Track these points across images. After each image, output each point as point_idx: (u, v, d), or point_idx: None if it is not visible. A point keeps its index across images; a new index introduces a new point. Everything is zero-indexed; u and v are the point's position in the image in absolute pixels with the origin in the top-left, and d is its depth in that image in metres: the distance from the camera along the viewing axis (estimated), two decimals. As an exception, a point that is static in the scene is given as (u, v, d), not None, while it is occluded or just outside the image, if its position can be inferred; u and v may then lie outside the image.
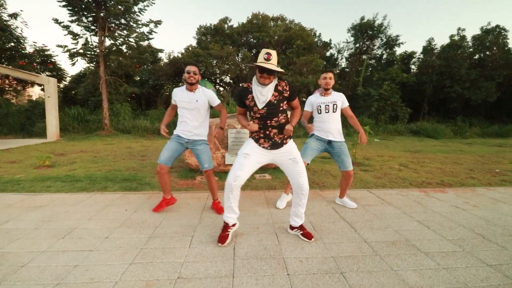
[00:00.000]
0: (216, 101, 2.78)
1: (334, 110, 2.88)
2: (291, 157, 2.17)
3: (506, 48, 16.65)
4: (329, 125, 2.87)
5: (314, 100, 2.93)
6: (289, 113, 2.29)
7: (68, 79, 16.45)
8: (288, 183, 3.12)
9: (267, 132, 2.11)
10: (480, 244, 2.22)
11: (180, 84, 16.99)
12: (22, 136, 11.65)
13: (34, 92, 20.56)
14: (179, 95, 2.68)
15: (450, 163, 5.92)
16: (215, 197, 2.88)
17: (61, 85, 16.04)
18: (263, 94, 2.04)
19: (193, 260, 1.91)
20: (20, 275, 1.73)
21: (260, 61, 1.97)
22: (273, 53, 1.99)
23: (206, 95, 2.70)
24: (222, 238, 2.13)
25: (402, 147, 9.22)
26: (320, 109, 2.89)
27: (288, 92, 2.11)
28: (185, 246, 2.11)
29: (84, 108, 13.87)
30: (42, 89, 14.47)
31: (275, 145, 2.14)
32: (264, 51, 1.98)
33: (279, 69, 1.96)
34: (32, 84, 15.19)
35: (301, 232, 2.27)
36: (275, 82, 2.07)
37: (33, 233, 2.33)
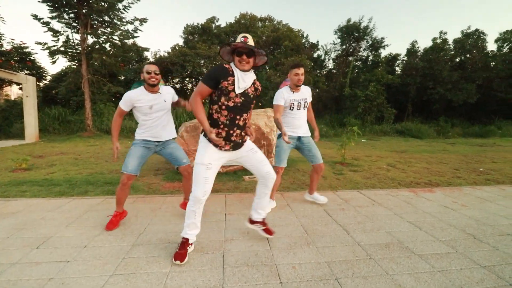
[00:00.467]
0: (176, 96, 2.63)
1: (304, 107, 2.89)
2: (248, 149, 2.06)
3: (484, 52, 17.34)
4: (300, 121, 2.86)
5: (287, 96, 2.80)
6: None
7: (48, 78, 15.79)
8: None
9: (231, 132, 1.89)
10: (472, 245, 2.21)
11: (167, 84, 16.66)
12: (-1, 138, 11.05)
13: (13, 92, 19.63)
14: (143, 98, 2.38)
15: (436, 163, 6.02)
16: (188, 196, 2.71)
17: (41, 84, 15.37)
18: (245, 80, 1.86)
19: (179, 269, 1.79)
20: (-15, 292, 1.56)
21: (237, 42, 1.85)
22: (250, 36, 1.89)
23: (170, 93, 2.56)
24: (181, 256, 1.86)
25: (388, 147, 9.36)
26: (293, 107, 2.83)
27: (259, 93, 2.05)
28: (171, 254, 1.97)
29: (65, 108, 13.34)
30: (21, 88, 13.81)
31: (237, 146, 1.99)
32: (240, 35, 1.88)
33: (260, 50, 1.89)
34: (10, 83, 14.48)
35: (263, 227, 2.21)
36: (253, 76, 1.95)
37: (4, 243, 2.14)
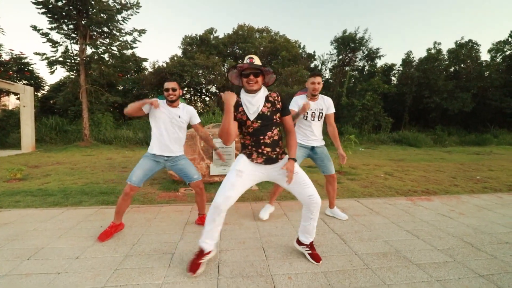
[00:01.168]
0: (196, 119, 2.62)
1: (319, 119, 2.86)
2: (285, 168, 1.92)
3: (478, 61, 17.66)
4: (313, 132, 2.84)
5: (301, 104, 2.75)
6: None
7: (46, 88, 15.85)
8: (272, 192, 3.02)
9: (259, 150, 1.89)
10: (470, 254, 2.18)
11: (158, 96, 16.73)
12: (-5, 148, 10.97)
13: (10, 102, 19.65)
14: (160, 108, 2.44)
15: (433, 171, 6.03)
16: (203, 211, 2.70)
17: (39, 94, 15.42)
18: (253, 103, 1.84)
19: (173, 281, 1.75)
20: (-29, 306, 1.51)
21: (241, 64, 1.85)
22: (256, 57, 1.88)
23: (189, 112, 2.58)
24: (194, 267, 1.80)
25: (386, 155, 9.38)
26: (306, 116, 2.81)
27: (281, 104, 1.91)
28: (164, 265, 1.94)
29: (63, 118, 13.33)
30: (18, 98, 13.84)
31: (270, 160, 1.92)
32: (246, 57, 1.88)
33: (267, 69, 1.87)
34: (7, 93, 14.50)
35: (310, 251, 2.03)
36: (265, 92, 1.91)
37: (-6, 255, 2.09)
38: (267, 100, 1.90)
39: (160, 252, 2.13)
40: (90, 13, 10.66)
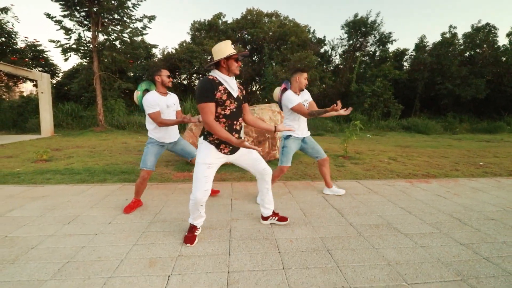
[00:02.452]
0: (179, 106, 2.91)
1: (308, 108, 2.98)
2: (245, 150, 2.15)
3: (495, 46, 17.06)
4: (303, 122, 2.98)
5: (297, 98, 2.82)
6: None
7: (60, 74, 16.32)
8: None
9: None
10: (456, 227, 2.42)
11: (175, 80, 16.99)
12: (15, 132, 11.59)
13: (26, 88, 20.32)
14: (160, 101, 2.63)
15: (437, 157, 6.16)
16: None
17: (54, 81, 15.90)
18: (233, 85, 1.96)
19: (192, 241, 2.07)
20: (31, 256, 1.86)
21: (232, 51, 1.89)
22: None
23: (175, 98, 2.85)
24: (191, 239, 2.03)
25: (393, 142, 9.48)
26: None
27: (244, 92, 2.09)
28: (184, 230, 2.26)
29: (77, 104, 13.82)
30: (35, 85, 14.35)
31: (235, 150, 2.09)
32: (228, 41, 1.93)
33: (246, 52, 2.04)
34: (24, 80, 15.03)
35: (276, 218, 2.35)
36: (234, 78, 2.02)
37: (39, 220, 2.46)
38: (238, 86, 2.05)
39: (180, 220, 2.45)
40: (101, 0, 10.83)
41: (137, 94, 2.79)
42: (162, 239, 2.09)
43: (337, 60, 20.93)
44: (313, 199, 3.09)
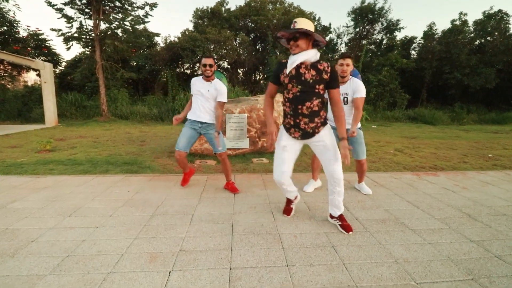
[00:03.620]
0: (221, 97, 2.82)
1: (346, 103, 2.74)
2: (322, 143, 2.03)
3: (507, 34, 16.47)
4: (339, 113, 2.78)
5: None
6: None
7: (63, 64, 16.22)
8: (313, 168, 3.14)
9: (297, 121, 1.97)
10: (466, 223, 2.34)
11: (178, 70, 16.80)
12: (20, 122, 11.64)
13: (30, 78, 20.29)
14: (197, 84, 2.83)
15: (445, 149, 6.03)
16: (228, 178, 3.05)
17: (57, 70, 15.83)
18: (293, 60, 1.86)
19: (193, 235, 2.03)
20: (31, 249, 1.84)
21: (289, 29, 1.81)
22: (300, 20, 1.81)
23: (217, 89, 2.82)
24: (287, 211, 2.36)
25: (399, 133, 9.32)
26: None
27: (329, 75, 1.89)
28: (186, 223, 2.22)
29: (80, 93, 13.78)
30: (38, 75, 14.29)
31: (306, 135, 2.01)
32: (293, 20, 1.85)
33: (305, 29, 1.77)
34: (28, 69, 14.99)
35: (340, 223, 2.15)
36: (308, 55, 1.85)
37: (40, 212, 2.44)
38: (313, 67, 1.89)
39: (181, 213, 2.41)
40: (102, -14, 10.60)
41: (226, 86, 3.03)
42: (163, 233, 2.05)
43: (342, 48, 20.45)
44: (317, 193, 3.03)
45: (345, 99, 2.74)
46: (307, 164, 4.31)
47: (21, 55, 11.05)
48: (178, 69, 16.85)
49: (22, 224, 2.20)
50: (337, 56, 19.96)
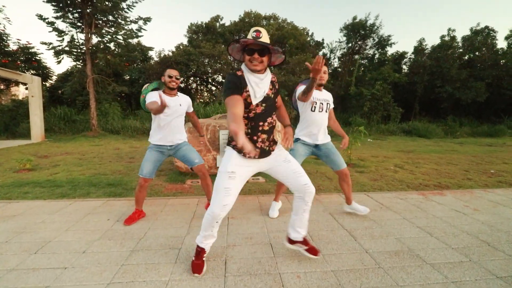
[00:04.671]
0: (192, 108, 2.78)
1: (327, 110, 2.65)
2: (280, 158, 1.81)
3: (494, 49, 16.94)
4: (319, 127, 2.61)
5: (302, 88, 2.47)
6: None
7: (54, 78, 15.92)
8: (277, 189, 2.87)
9: (254, 138, 1.69)
10: (486, 253, 2.09)
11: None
12: (6, 137, 11.18)
13: (21, 92, 19.85)
14: (165, 99, 2.50)
15: (445, 164, 5.87)
16: (210, 196, 2.65)
17: (47, 84, 15.50)
18: (259, 86, 1.63)
19: (179, 278, 1.72)
20: (-21, 301, 1.51)
21: (247, 38, 1.61)
22: (263, 31, 1.61)
23: (187, 101, 2.68)
24: (198, 267, 1.76)
25: (395, 147, 9.19)
26: (315, 107, 2.57)
27: (277, 84, 1.85)
28: (171, 261, 1.91)
29: (71, 108, 13.43)
30: (27, 88, 13.95)
31: (264, 153, 1.74)
32: (252, 29, 1.62)
33: (275, 48, 1.65)
34: (17, 83, 14.63)
35: (306, 247, 1.88)
36: (269, 74, 1.73)
37: (3, 248, 2.10)
38: (271, 82, 1.75)
39: (167, 247, 2.10)
40: (95, 1, 10.51)
41: (141, 98, 2.56)
42: (143, 275, 1.74)
43: (335, 63, 20.76)
44: (319, 217, 2.76)
45: (328, 105, 2.67)
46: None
47: (10, 68, 10.74)
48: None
49: (-24, 265, 1.86)
50: (330, 71, 20.17)
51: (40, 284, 1.66)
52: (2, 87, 15.02)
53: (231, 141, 1.74)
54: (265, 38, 1.61)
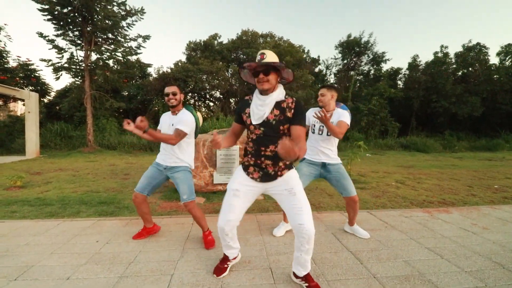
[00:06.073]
0: (179, 124, 2.26)
1: (328, 134, 2.50)
2: (286, 187, 1.70)
3: (487, 65, 17.30)
4: (320, 145, 2.53)
5: (309, 115, 2.57)
6: None
7: (52, 94, 15.94)
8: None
9: (259, 162, 1.69)
10: (502, 277, 1.95)
11: (162, 101, 16.69)
12: (0, 153, 10.98)
13: (19, 108, 19.82)
14: (162, 119, 2.49)
15: (447, 179, 5.76)
16: (204, 229, 2.45)
17: (45, 100, 15.49)
18: (259, 108, 1.65)
19: (170, 310, 1.56)
20: None
21: (252, 62, 1.64)
22: (268, 52, 1.64)
23: (179, 119, 2.34)
24: (219, 270, 1.90)
25: (394, 162, 9.10)
26: (314, 129, 2.57)
27: (293, 111, 1.63)
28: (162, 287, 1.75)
29: (69, 123, 13.35)
30: (24, 104, 13.90)
31: (267, 177, 1.71)
32: (259, 52, 1.66)
33: (280, 64, 1.59)
34: (15, 99, 14.60)
35: (307, 284, 1.75)
36: (281, 94, 1.67)
37: (-21, 274, 1.93)
38: (277, 106, 1.65)
39: (158, 273, 1.94)
40: (95, 19, 10.70)
41: None
42: (130, 307, 1.58)
43: (332, 79, 21.06)
44: (321, 238, 2.60)
45: (320, 131, 2.54)
46: (316, 201, 3.90)
47: (8, 85, 10.72)
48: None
49: None
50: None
51: (14, 318, 1.49)
52: (0, 103, 14.97)
53: (244, 156, 1.81)
54: (270, 58, 1.64)
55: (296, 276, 1.81)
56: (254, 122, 1.68)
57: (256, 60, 1.64)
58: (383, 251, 2.32)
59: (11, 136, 12.37)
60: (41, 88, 15.01)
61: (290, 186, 1.71)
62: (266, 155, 1.68)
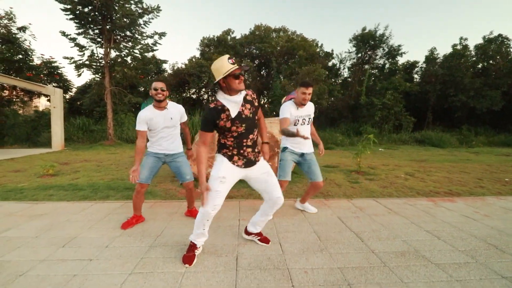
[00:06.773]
0: (185, 117, 2.75)
1: (308, 123, 2.83)
2: (264, 171, 2.03)
3: (509, 57, 16.63)
4: (308, 134, 2.78)
5: (293, 112, 2.73)
6: None
7: (74, 90, 16.73)
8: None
9: (241, 151, 1.92)
10: (493, 255, 2.12)
11: (184, 95, 17.15)
12: (28, 146, 11.77)
13: (41, 103, 20.91)
14: (153, 117, 2.51)
15: (458, 172, 5.80)
16: (192, 205, 2.90)
17: (67, 96, 16.29)
18: (232, 101, 1.81)
19: (194, 270, 1.85)
20: (18, 285, 1.68)
21: (229, 67, 1.74)
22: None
23: (179, 111, 2.67)
24: (189, 259, 1.94)
25: (407, 156, 9.11)
26: (297, 123, 2.79)
27: (257, 100, 1.97)
28: (186, 256, 2.04)
29: (89, 118, 14.05)
30: (48, 100, 14.72)
31: (249, 163, 1.96)
32: (224, 57, 1.77)
33: (248, 67, 1.87)
34: (39, 95, 15.46)
35: (258, 237, 2.27)
36: (243, 93, 1.86)
37: (34, 242, 2.30)
38: (246, 100, 1.88)
39: (182, 244, 2.24)
40: (114, 18, 11.17)
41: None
42: (161, 267, 1.88)
43: (345, 73, 20.83)
44: (327, 220, 2.84)
45: (309, 119, 2.84)
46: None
47: (33, 81, 11.43)
48: (184, 94, 17.22)
49: (13, 256, 2.05)
50: (340, 81, 20.28)
51: (69, 273, 1.82)
52: (25, 99, 15.89)
53: (221, 149, 1.96)
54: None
55: (249, 233, 2.30)
56: (233, 115, 1.80)
57: (230, 63, 1.75)
58: (384, 232, 2.53)
59: (36, 130, 13.18)
60: (64, 85, 15.80)
61: (266, 169, 2.05)
62: (247, 144, 1.93)
